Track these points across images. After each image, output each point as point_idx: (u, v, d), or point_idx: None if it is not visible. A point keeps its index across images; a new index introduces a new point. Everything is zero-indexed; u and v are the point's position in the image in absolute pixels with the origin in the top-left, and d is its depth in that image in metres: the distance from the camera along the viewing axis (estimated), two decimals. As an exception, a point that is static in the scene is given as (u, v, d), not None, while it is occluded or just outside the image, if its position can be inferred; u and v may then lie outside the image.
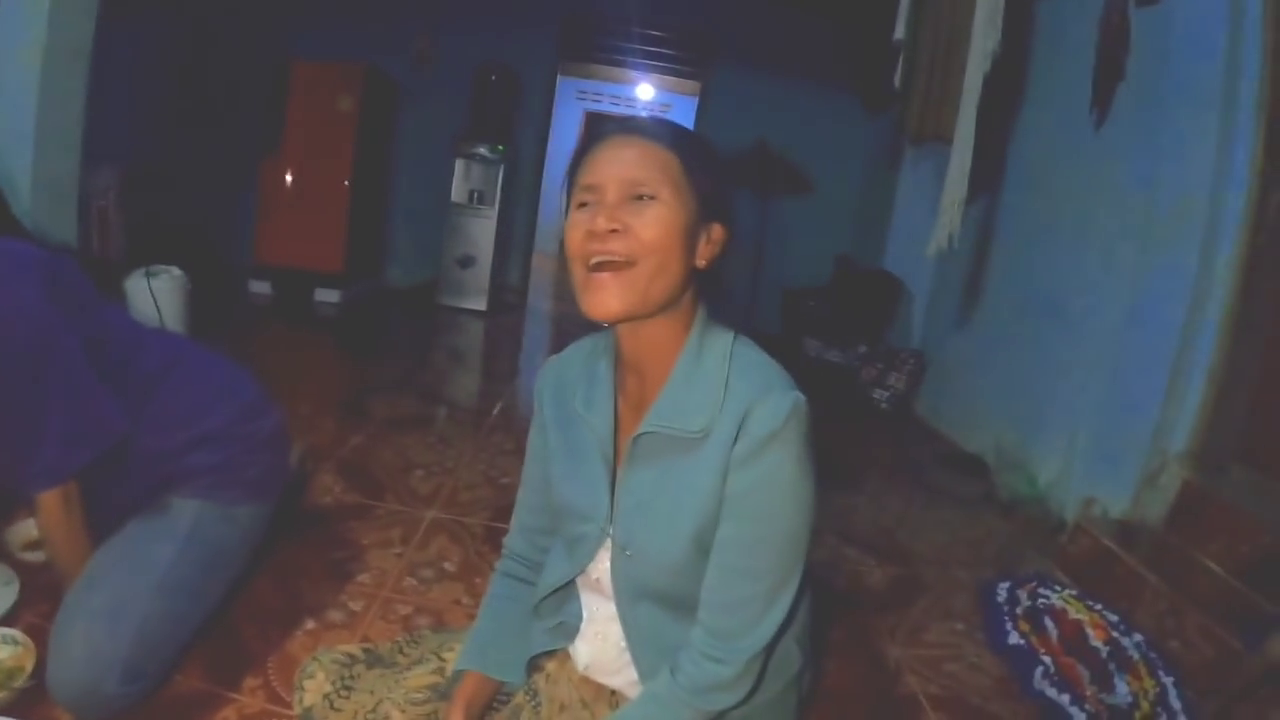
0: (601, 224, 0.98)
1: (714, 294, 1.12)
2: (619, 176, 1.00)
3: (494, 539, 2.33)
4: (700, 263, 1.06)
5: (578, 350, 1.25)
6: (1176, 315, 2.77)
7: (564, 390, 1.21)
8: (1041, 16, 3.90)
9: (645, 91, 7.81)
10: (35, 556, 1.81)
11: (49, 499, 1.40)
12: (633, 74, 6.90)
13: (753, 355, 1.08)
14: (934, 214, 3.41)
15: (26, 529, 1.89)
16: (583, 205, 1.03)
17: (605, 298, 0.99)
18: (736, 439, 1.00)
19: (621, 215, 0.98)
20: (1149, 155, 2.95)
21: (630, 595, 1.12)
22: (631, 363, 1.12)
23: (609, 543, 1.13)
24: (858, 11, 5.11)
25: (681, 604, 1.10)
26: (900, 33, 3.67)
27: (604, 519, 1.13)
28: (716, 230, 1.07)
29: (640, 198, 1.00)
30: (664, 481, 1.07)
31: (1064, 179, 3.59)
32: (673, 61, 6.80)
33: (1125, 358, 2.97)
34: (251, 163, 5.84)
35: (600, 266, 0.99)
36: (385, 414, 3.39)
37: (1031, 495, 3.28)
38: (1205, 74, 2.74)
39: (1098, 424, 3.06)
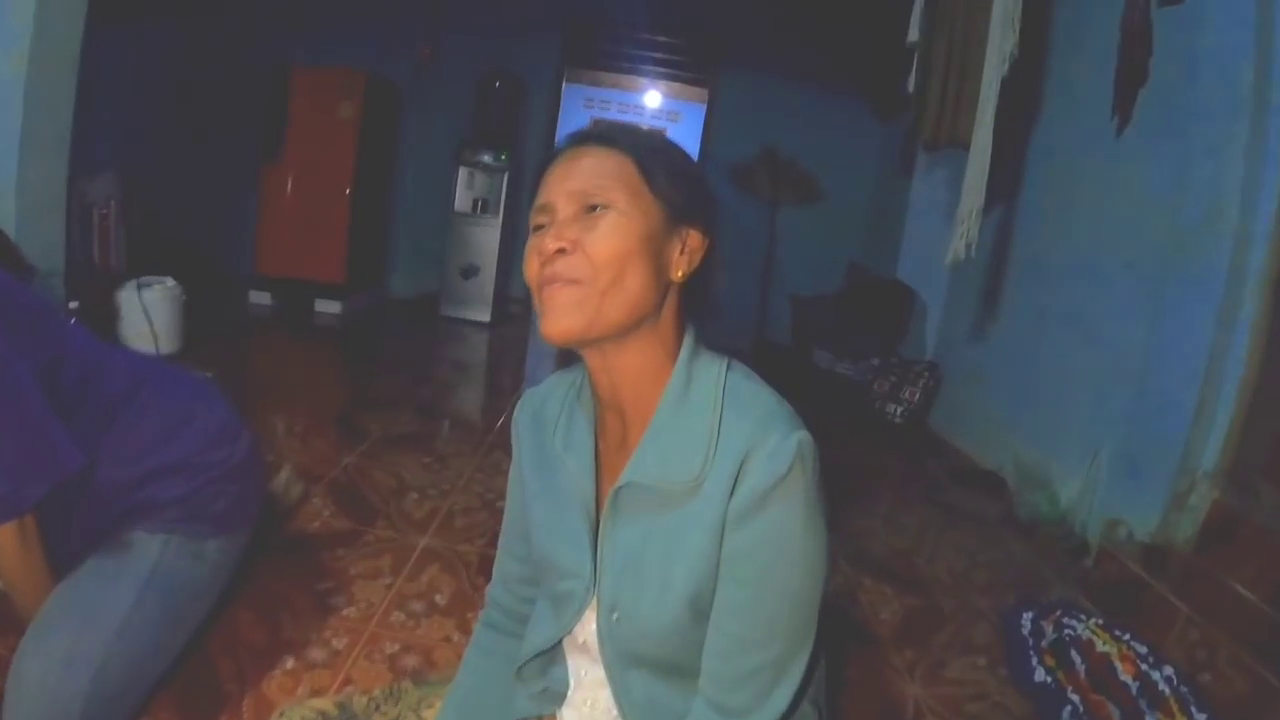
0: (548, 244, 0.88)
1: (701, 311, 1.00)
2: (568, 190, 0.91)
3: (488, 568, 2.17)
4: (675, 275, 0.94)
5: (559, 382, 1.12)
6: (1205, 326, 2.63)
7: (542, 427, 1.09)
8: (1060, 17, 3.78)
9: (652, 99, 7.71)
10: None
11: (3, 534, 1.31)
12: (640, 81, 6.78)
13: (748, 387, 0.95)
14: (949, 222, 3.29)
15: None
16: (538, 229, 0.93)
17: (554, 317, 0.88)
18: (733, 491, 0.88)
19: (569, 232, 0.88)
20: (1174, 161, 2.83)
21: (620, 661, 0.99)
22: (607, 399, 0.99)
23: (595, 602, 1.00)
24: (867, 15, 5.00)
25: (677, 671, 0.97)
26: (914, 35, 3.55)
27: (588, 577, 1.00)
28: (693, 237, 0.95)
29: (593, 208, 0.90)
30: (651, 539, 0.94)
31: (1085, 186, 3.46)
32: (680, 68, 6.69)
33: (1151, 370, 2.83)
34: (252, 171, 5.77)
35: (550, 285, 0.89)
36: (381, 431, 3.28)
37: (1053, 515, 3.15)
38: (1234, 76, 2.61)
39: (1122, 440, 2.93)
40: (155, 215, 4.85)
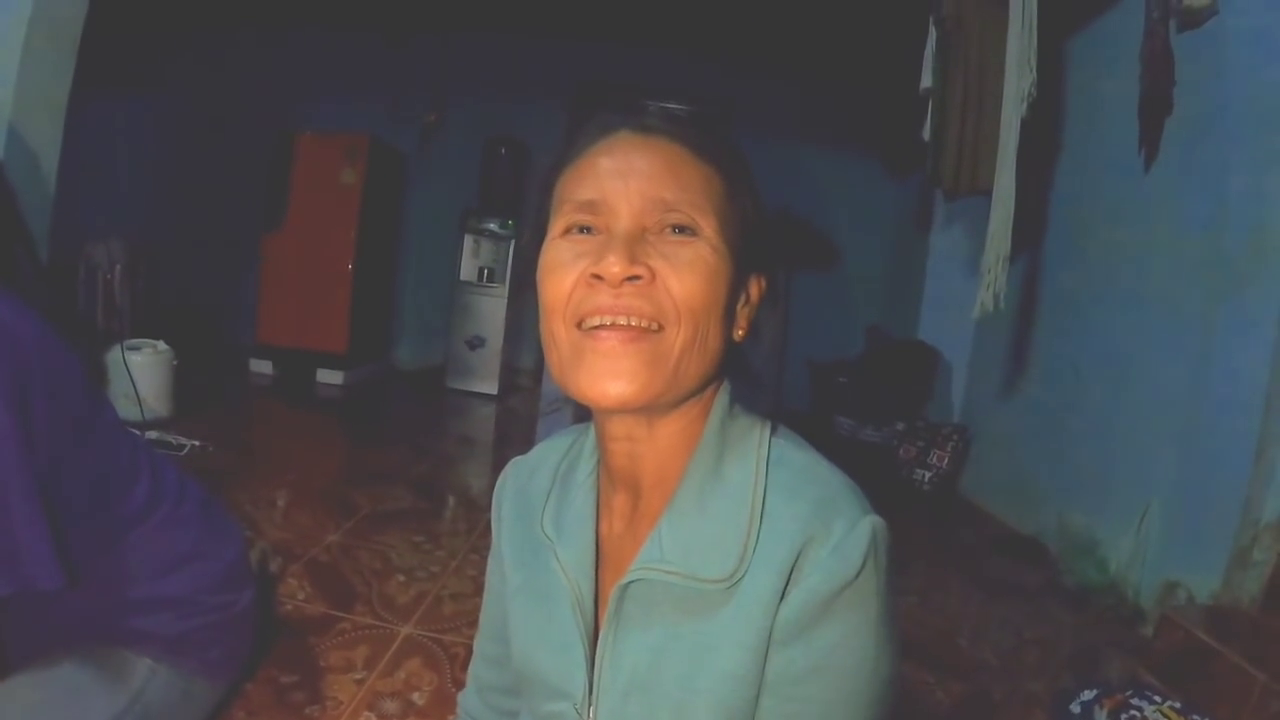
0: (615, 265, 0.64)
1: (741, 370, 0.78)
2: (638, 193, 0.67)
3: (475, 660, 1.97)
4: (738, 333, 0.74)
5: (550, 450, 0.89)
6: (1258, 367, 2.46)
7: (528, 505, 0.86)
8: (1075, 52, 3.66)
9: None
10: None
11: None
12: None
13: (799, 458, 0.73)
14: (972, 276, 3.13)
15: None
16: (570, 231, 0.70)
17: (614, 377, 0.65)
18: (785, 594, 0.65)
19: (645, 254, 0.66)
20: (1210, 192, 2.67)
21: None
22: (621, 473, 0.77)
23: None
24: (877, 69, 4.91)
25: None
26: (927, 80, 3.41)
27: (580, 699, 0.76)
28: (755, 286, 0.76)
29: (674, 230, 0.68)
30: (668, 654, 0.71)
31: (1115, 226, 3.27)
32: (689, 133, 6.66)
33: (1200, 417, 2.63)
34: (254, 237, 5.69)
35: (606, 326, 0.66)
36: (371, 507, 3.05)
37: (1102, 582, 2.91)
38: (1264, 88, 2.48)
39: (1173, 495, 2.71)
40: (159, 280, 4.78)
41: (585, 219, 0.69)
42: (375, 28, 6.04)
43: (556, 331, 0.69)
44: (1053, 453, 3.57)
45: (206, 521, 1.48)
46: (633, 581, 0.72)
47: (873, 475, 4.35)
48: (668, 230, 0.67)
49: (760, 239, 0.75)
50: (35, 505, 1.09)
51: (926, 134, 3.49)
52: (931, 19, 3.45)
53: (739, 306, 0.73)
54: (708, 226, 0.68)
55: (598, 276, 0.66)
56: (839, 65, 5.67)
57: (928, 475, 4.38)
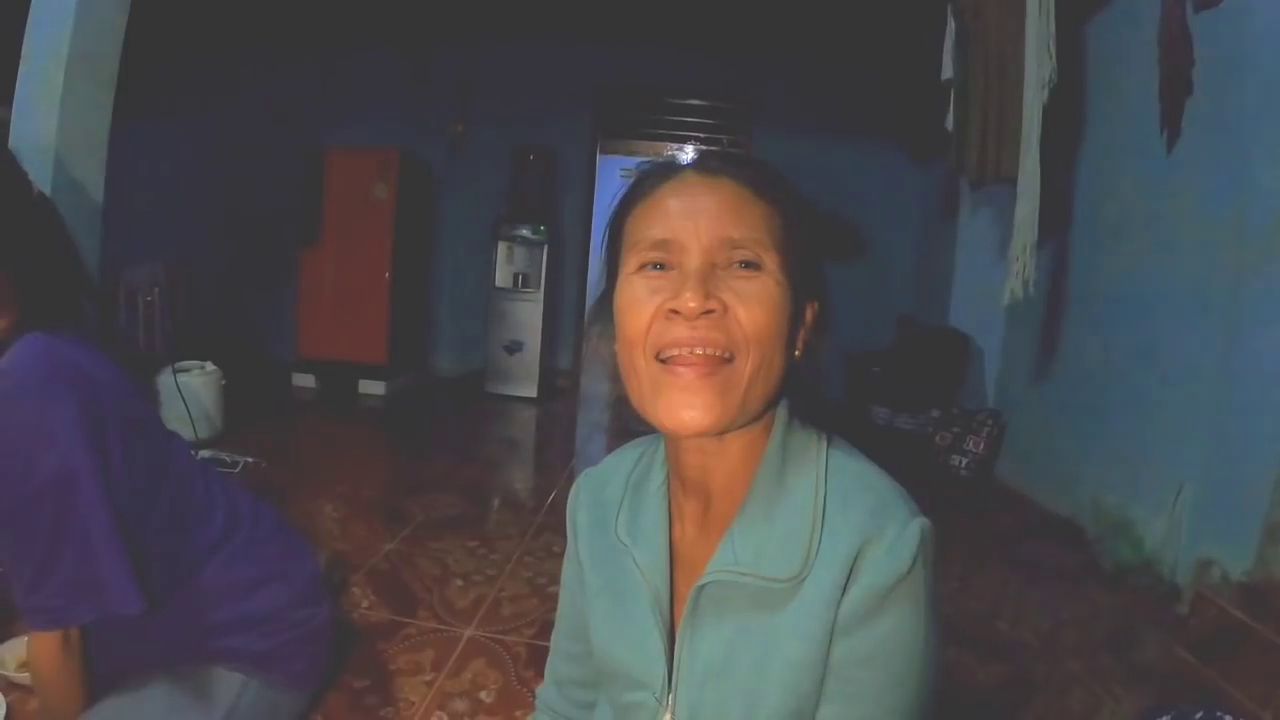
0: (691, 301, 0.71)
1: (800, 388, 0.84)
2: (706, 232, 0.74)
3: (538, 661, 2.06)
4: (796, 354, 0.80)
5: (620, 461, 0.98)
6: None
7: (602, 513, 0.94)
8: (1093, 37, 3.68)
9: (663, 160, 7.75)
10: (26, 677, 1.62)
11: (46, 639, 1.20)
12: (673, 146, 6.77)
13: (854, 467, 0.81)
14: (1001, 263, 3.16)
15: (21, 646, 1.71)
16: (645, 268, 0.77)
17: (690, 409, 0.73)
18: (845, 589, 0.74)
19: (716, 289, 0.73)
20: (1233, 169, 2.69)
21: None
22: (694, 484, 0.84)
23: (669, 718, 0.85)
24: (898, 58, 4.93)
25: None
26: (948, 70, 3.45)
27: (660, 688, 0.84)
28: (810, 309, 0.82)
29: (740, 265, 0.74)
30: (741, 645, 0.79)
31: (1140, 209, 3.29)
32: (713, 130, 6.67)
33: (1231, 396, 2.64)
34: (292, 255, 5.84)
35: (683, 360, 0.73)
36: (424, 515, 3.16)
37: (1138, 561, 2.93)
38: None
39: (1206, 474, 2.73)
40: (198, 301, 4.89)
41: (658, 257, 0.76)
42: (398, 43, 6.16)
43: (637, 362, 0.76)
44: (1086, 435, 3.59)
45: (282, 542, 1.57)
46: (709, 583, 0.80)
47: (909, 464, 4.42)
48: (735, 266, 0.74)
49: (814, 267, 0.82)
50: (115, 538, 1.17)
51: (950, 124, 3.52)
52: (950, 9, 3.48)
53: (799, 331, 0.80)
54: (770, 261, 0.75)
55: (675, 311, 0.73)
56: (859, 56, 5.68)
57: (964, 461, 4.41)
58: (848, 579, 0.73)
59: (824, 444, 0.82)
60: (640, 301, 0.75)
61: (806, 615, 0.75)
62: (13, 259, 1.16)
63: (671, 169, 0.81)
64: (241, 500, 1.52)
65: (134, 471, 1.23)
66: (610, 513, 0.93)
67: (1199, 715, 1.95)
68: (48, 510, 1.12)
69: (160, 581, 1.27)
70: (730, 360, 0.73)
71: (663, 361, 0.74)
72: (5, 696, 1.59)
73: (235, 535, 1.44)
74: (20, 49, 2.73)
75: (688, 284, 0.72)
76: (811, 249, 0.81)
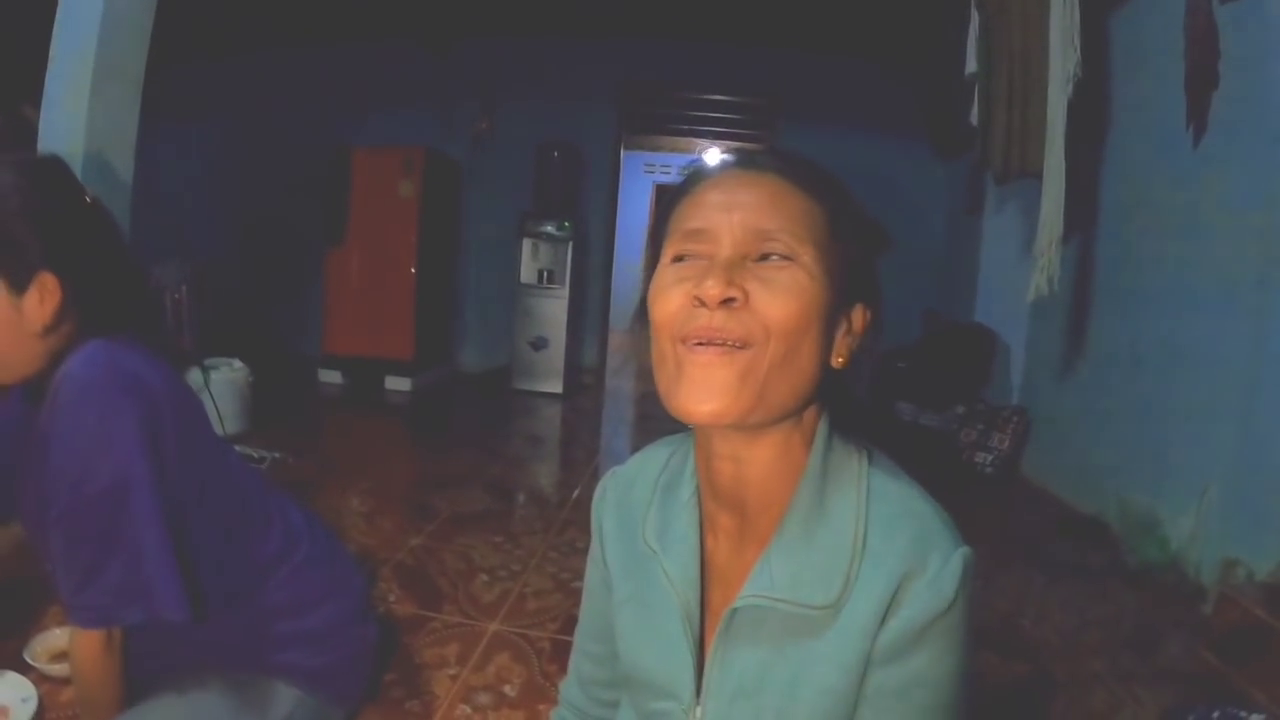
0: (713, 288, 0.70)
1: (842, 400, 0.82)
2: (740, 224, 0.73)
3: (561, 655, 2.08)
4: (837, 360, 0.77)
5: (648, 461, 0.95)
6: None
7: (629, 516, 0.92)
8: (1118, 29, 3.63)
9: (712, 159, 7.74)
10: (61, 670, 1.66)
11: (89, 636, 1.22)
12: (698, 142, 6.76)
13: (896, 489, 0.78)
14: (1026, 258, 3.14)
15: (54, 639, 1.76)
16: (680, 259, 0.76)
17: (705, 388, 0.71)
18: (884, 620, 0.73)
19: (741, 278, 0.71)
20: (1260, 163, 2.66)
21: None
22: (728, 493, 0.81)
23: None
24: (923, 52, 4.91)
25: None
26: (972, 65, 3.43)
27: (688, 700, 0.83)
28: (859, 316, 0.80)
29: (769, 257, 0.73)
30: (774, 667, 0.78)
31: (1166, 204, 3.25)
32: (737, 126, 6.67)
33: (1258, 395, 2.62)
34: (318, 252, 5.90)
35: (703, 348, 0.72)
36: (450, 510, 3.19)
37: (1163, 560, 2.92)
38: None
39: (1233, 474, 2.70)
40: (226, 298, 4.96)
41: (691, 247, 0.75)
42: (423, 41, 6.21)
43: (664, 348, 0.74)
44: (1112, 433, 3.56)
45: (334, 558, 1.58)
46: (744, 606, 0.78)
47: (935, 460, 4.40)
48: (764, 257, 0.73)
49: (864, 270, 0.80)
50: (166, 546, 1.18)
51: (974, 118, 3.51)
52: (973, 2, 3.46)
53: (839, 335, 0.78)
54: (805, 254, 0.73)
55: (699, 299, 0.71)
56: (883, 51, 5.67)
57: (989, 458, 4.38)
58: (886, 610, 0.73)
59: (864, 462, 0.80)
60: (669, 289, 0.74)
61: (842, 643, 0.74)
62: (70, 266, 1.16)
63: (719, 166, 0.81)
64: (294, 515, 1.52)
65: (187, 477, 1.24)
66: (638, 515, 0.91)
67: (1215, 715, 1.95)
68: (102, 515, 1.14)
69: (211, 590, 1.28)
70: (749, 347, 0.71)
71: (687, 349, 0.73)
72: (37, 688, 1.61)
73: (296, 551, 1.45)
74: (48, 51, 2.77)
75: (712, 272, 0.71)
76: (862, 249, 0.80)
